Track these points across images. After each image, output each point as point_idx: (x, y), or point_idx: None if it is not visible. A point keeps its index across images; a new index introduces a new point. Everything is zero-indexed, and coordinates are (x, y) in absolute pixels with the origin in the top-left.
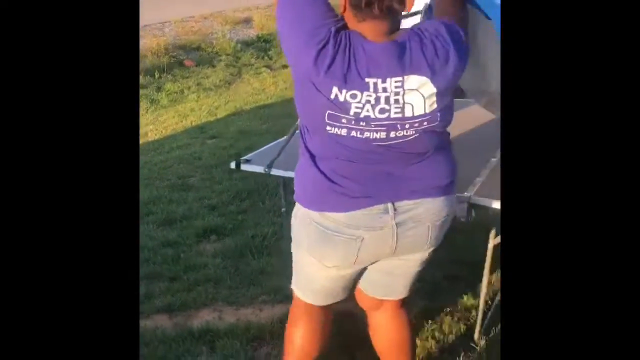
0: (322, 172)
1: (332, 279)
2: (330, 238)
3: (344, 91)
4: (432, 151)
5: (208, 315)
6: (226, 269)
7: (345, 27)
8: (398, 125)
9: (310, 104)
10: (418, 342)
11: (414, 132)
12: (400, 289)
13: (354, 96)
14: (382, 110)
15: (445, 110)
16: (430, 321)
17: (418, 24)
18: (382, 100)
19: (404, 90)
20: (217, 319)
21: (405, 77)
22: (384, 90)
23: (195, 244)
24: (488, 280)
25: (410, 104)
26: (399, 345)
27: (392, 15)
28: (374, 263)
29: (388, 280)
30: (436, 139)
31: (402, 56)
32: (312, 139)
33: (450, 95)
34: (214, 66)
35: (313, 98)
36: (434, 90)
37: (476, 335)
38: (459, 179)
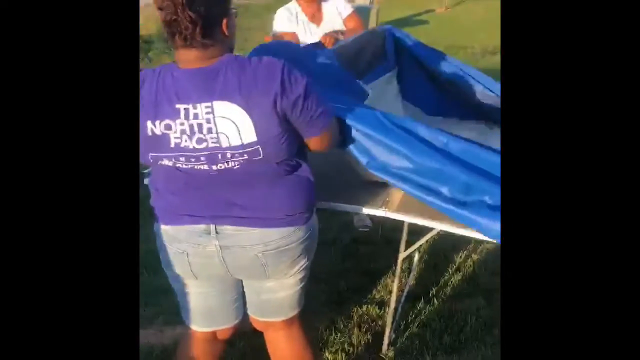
0: (159, 189)
1: (196, 296)
2: (168, 249)
3: (157, 123)
4: (261, 180)
5: None
6: None
7: None
8: (219, 156)
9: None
10: (328, 356)
11: (236, 164)
12: (275, 311)
13: (168, 127)
14: (199, 140)
15: (273, 145)
16: (339, 334)
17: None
18: (196, 128)
19: (214, 116)
20: None
21: (215, 102)
22: (195, 116)
23: None
24: (396, 293)
25: (224, 133)
26: None
27: (201, 44)
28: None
29: (260, 302)
30: (269, 170)
31: (213, 82)
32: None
33: (282, 130)
34: None
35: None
36: (249, 120)
37: (385, 347)
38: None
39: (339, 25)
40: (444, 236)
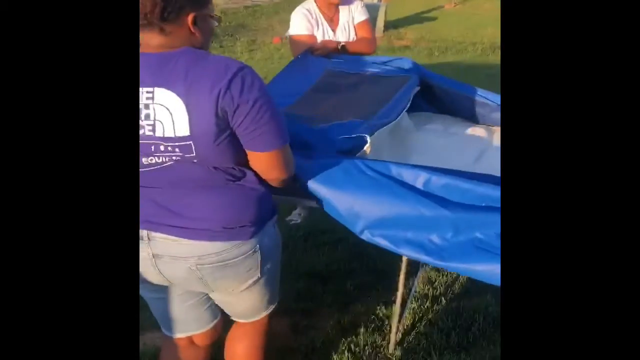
0: None
1: (155, 302)
2: None
3: None
4: (197, 187)
5: None
6: None
7: None
8: (152, 147)
9: None
10: (335, 356)
11: (168, 159)
12: (239, 316)
13: None
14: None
15: (206, 144)
16: (345, 334)
17: None
18: None
19: (153, 102)
20: None
21: (156, 89)
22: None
23: None
24: (403, 292)
25: (160, 121)
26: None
27: (159, 27)
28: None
29: (223, 307)
30: (206, 176)
31: (161, 68)
32: None
33: (218, 130)
34: None
35: None
36: (185, 112)
37: (391, 347)
38: None
39: (353, 31)
40: None
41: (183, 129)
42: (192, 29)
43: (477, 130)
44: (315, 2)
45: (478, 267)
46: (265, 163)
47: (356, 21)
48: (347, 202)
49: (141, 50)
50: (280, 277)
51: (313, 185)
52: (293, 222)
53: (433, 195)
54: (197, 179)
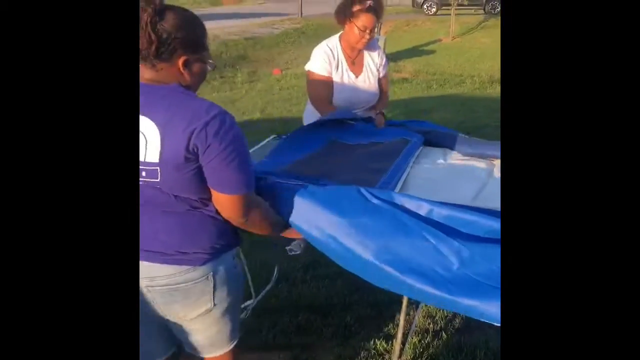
0: None
1: None
2: None
3: None
4: (157, 211)
5: None
6: None
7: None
8: None
9: None
10: None
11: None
12: (194, 349)
13: None
14: None
15: (171, 173)
16: None
17: None
18: None
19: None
20: None
21: (141, 116)
22: None
23: None
24: (403, 326)
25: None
26: None
27: (152, 64)
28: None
29: (180, 337)
30: (166, 202)
31: (148, 98)
32: None
33: (185, 163)
34: None
35: None
36: (159, 143)
37: None
38: None
39: (375, 79)
40: None
41: (153, 155)
42: (181, 70)
43: (478, 163)
44: (340, 40)
45: (486, 306)
46: (224, 204)
47: (381, 74)
48: (351, 229)
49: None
50: (280, 309)
51: (315, 213)
52: (293, 252)
53: (438, 224)
54: (159, 203)
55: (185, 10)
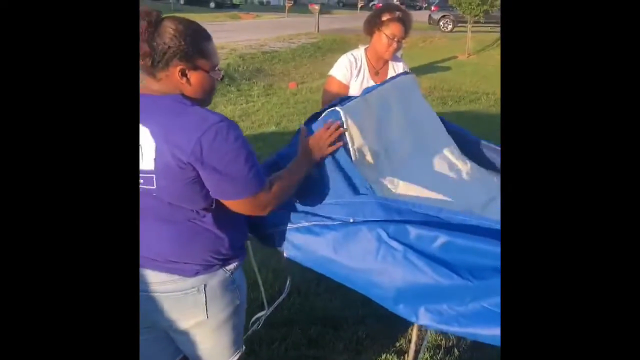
0: None
1: None
2: None
3: None
4: (153, 218)
5: None
6: None
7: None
8: None
9: None
10: None
11: None
12: (194, 358)
13: None
14: None
15: (167, 181)
16: None
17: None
18: None
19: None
20: None
21: (142, 126)
22: None
23: None
24: (416, 342)
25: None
26: None
27: (152, 75)
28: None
29: (181, 347)
30: (156, 207)
31: (148, 107)
32: None
33: (181, 171)
34: None
35: None
36: (154, 151)
37: None
38: None
39: None
40: None
41: (149, 163)
42: (179, 79)
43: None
44: (365, 52)
45: (480, 331)
46: (237, 209)
47: None
48: (365, 273)
49: (143, 91)
50: (292, 321)
51: (327, 256)
52: None
53: (450, 264)
54: (154, 211)
55: (182, 21)
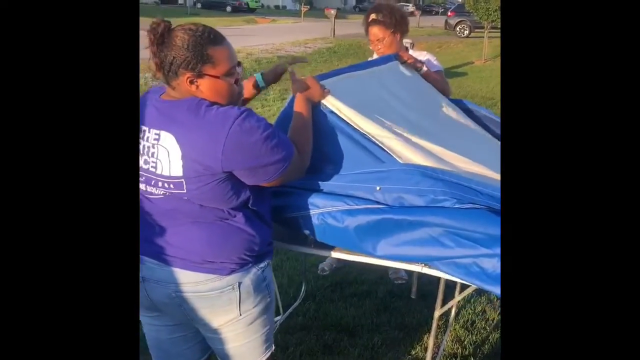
0: None
1: (148, 327)
2: None
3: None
4: (186, 220)
5: None
6: None
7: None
8: (152, 181)
9: None
10: None
11: (162, 192)
12: (222, 356)
13: (142, 145)
14: (145, 161)
15: (198, 185)
16: None
17: None
18: (146, 149)
19: (158, 143)
20: None
21: (162, 131)
22: (147, 139)
23: None
24: (432, 351)
25: (160, 160)
26: None
27: (168, 82)
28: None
29: (211, 345)
30: (194, 211)
31: (168, 113)
32: None
33: (209, 175)
34: None
35: None
36: (181, 158)
37: None
38: None
39: None
40: (481, 292)
41: (177, 170)
42: (189, 87)
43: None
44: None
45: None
46: (279, 183)
47: (423, 70)
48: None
49: (164, 97)
50: (307, 327)
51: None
52: (324, 272)
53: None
54: (187, 213)
55: (188, 29)
